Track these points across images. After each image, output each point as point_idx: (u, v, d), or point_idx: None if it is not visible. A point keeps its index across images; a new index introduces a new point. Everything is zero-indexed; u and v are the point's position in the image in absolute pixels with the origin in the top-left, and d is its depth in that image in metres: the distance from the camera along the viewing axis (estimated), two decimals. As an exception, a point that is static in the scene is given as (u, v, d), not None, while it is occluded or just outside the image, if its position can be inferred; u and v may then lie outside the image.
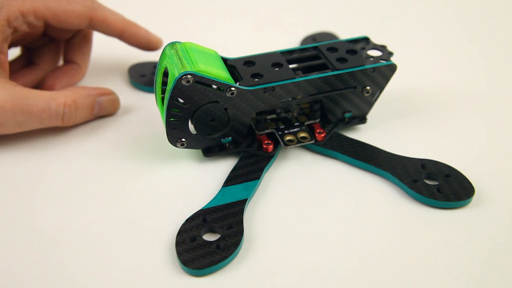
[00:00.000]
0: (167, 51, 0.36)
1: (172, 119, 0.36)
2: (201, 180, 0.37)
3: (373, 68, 0.38)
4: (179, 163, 0.38)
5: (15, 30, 0.39)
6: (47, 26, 0.41)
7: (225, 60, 0.38)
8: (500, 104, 0.45)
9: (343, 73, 0.38)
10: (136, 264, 0.32)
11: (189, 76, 0.34)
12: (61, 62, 0.46)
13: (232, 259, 0.32)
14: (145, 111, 0.44)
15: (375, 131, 0.41)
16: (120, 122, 0.42)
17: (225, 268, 0.31)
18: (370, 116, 0.42)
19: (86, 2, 0.41)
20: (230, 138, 0.38)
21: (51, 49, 0.44)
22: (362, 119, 0.41)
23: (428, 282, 0.31)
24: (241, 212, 0.34)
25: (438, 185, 0.36)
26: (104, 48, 0.49)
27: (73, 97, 0.40)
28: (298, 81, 0.37)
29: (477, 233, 0.34)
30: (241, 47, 0.50)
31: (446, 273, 0.31)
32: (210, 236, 0.33)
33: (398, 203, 0.36)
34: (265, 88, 0.36)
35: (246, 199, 0.35)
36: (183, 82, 0.34)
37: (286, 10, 0.59)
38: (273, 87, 0.36)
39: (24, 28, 0.39)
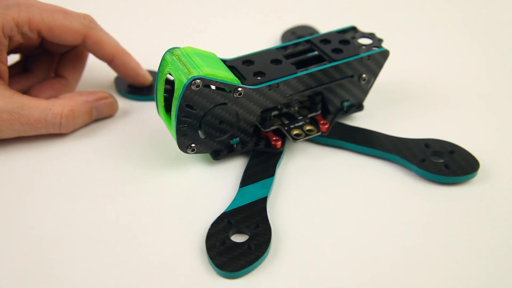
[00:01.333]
0: (168, 57, 0.36)
1: (182, 126, 0.35)
2: (212, 182, 0.37)
3: (368, 56, 0.39)
4: (185, 167, 0.38)
5: (11, 39, 0.38)
6: (42, 38, 0.40)
7: (223, 62, 0.38)
8: (492, 89, 0.47)
9: (341, 63, 0.39)
10: (168, 274, 0.31)
11: (198, 80, 0.34)
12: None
13: (265, 257, 0.32)
14: (143, 116, 0.43)
15: (370, 118, 0.42)
16: (119, 124, 0.42)
17: (259, 266, 0.32)
18: (364, 104, 0.43)
19: (83, 20, 0.40)
20: (238, 138, 0.38)
21: (46, 59, 0.43)
22: (359, 107, 0.42)
23: (458, 254, 0.32)
24: (264, 210, 0.34)
25: (445, 162, 0.37)
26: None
27: (70, 106, 0.39)
28: (300, 76, 0.37)
29: (489, 203, 0.35)
30: (223, 47, 0.50)
31: (471, 247, 0.33)
32: (238, 237, 0.33)
33: (409, 183, 0.37)
34: (270, 86, 0.37)
35: (266, 197, 0.35)
36: (193, 87, 0.34)
37: (259, 6, 0.59)
38: (277, 83, 0.37)
39: (18, 38, 0.39)
